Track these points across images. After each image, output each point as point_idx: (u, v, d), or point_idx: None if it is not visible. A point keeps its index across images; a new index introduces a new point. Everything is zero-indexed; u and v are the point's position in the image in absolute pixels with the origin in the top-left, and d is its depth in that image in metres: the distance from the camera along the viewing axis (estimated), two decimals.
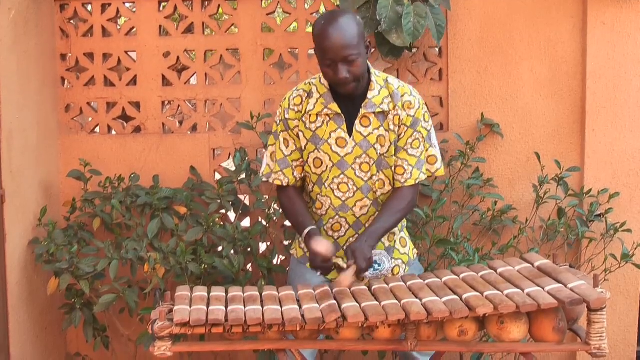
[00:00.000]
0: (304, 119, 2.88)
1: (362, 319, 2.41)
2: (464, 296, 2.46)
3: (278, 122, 2.95)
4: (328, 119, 2.85)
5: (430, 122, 2.95)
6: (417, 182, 2.92)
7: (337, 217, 2.92)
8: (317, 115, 2.86)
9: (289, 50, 3.95)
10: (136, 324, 3.73)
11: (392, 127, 2.85)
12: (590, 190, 3.79)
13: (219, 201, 3.72)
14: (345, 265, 2.68)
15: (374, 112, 2.83)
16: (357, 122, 2.84)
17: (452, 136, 3.84)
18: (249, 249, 3.67)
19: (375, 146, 2.85)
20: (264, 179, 3.03)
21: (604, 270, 3.76)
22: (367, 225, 2.90)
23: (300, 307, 2.49)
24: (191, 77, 4.02)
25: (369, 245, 2.73)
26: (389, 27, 3.52)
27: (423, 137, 2.91)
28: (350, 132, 2.85)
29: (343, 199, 2.89)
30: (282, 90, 3.90)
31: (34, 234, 3.62)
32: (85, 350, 3.94)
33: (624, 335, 3.92)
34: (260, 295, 2.61)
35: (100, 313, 3.63)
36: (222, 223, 3.76)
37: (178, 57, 3.96)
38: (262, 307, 2.48)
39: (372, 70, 2.88)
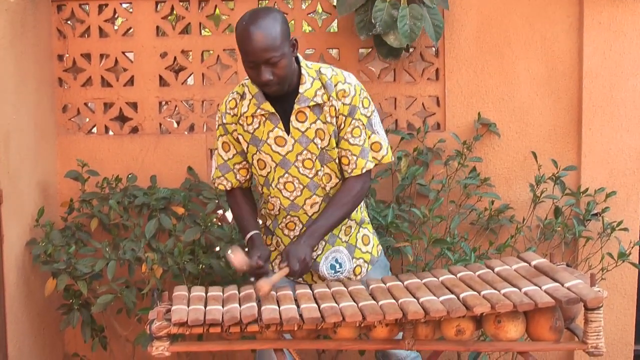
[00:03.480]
0: (240, 121, 2.82)
1: (359, 319, 2.41)
2: (461, 295, 2.46)
3: (217, 126, 2.90)
4: (264, 119, 2.78)
5: (372, 108, 2.84)
6: (364, 171, 2.82)
7: (289, 216, 2.87)
8: (252, 116, 2.79)
9: None
10: (134, 324, 3.73)
11: (329, 118, 2.76)
12: (587, 189, 3.79)
13: (217, 201, 3.73)
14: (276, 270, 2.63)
15: (308, 106, 2.74)
16: (292, 118, 2.76)
17: (449, 136, 3.84)
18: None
19: (315, 140, 2.77)
20: (213, 182, 2.99)
21: (601, 269, 3.76)
22: None
23: (298, 306, 2.49)
24: (188, 77, 4.02)
25: (309, 244, 2.68)
26: (384, 30, 3.53)
27: (363, 124, 2.80)
28: (287, 129, 2.78)
29: (291, 198, 2.84)
30: None
31: (31, 235, 3.62)
32: (83, 350, 3.94)
33: (621, 334, 3.93)
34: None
35: (98, 313, 3.63)
36: (219, 223, 3.76)
37: (175, 58, 3.96)
38: (260, 306, 2.48)
39: (303, 62, 2.78)
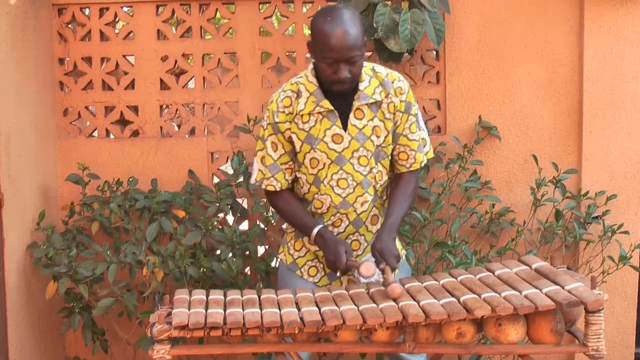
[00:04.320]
0: (295, 120, 2.82)
1: (360, 322, 2.41)
2: (462, 298, 2.46)
3: (265, 126, 2.89)
4: (321, 117, 2.79)
5: (417, 105, 2.93)
6: (422, 165, 2.91)
7: (338, 214, 2.87)
8: (310, 114, 2.80)
9: (287, 53, 3.96)
10: (135, 328, 3.73)
11: (387, 115, 2.82)
12: (587, 193, 3.79)
13: (217, 204, 3.73)
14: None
15: (366, 104, 2.79)
16: (351, 115, 2.79)
17: (449, 139, 3.84)
18: (247, 252, 3.67)
19: (372, 137, 2.81)
20: (257, 185, 2.98)
21: (601, 272, 3.76)
22: (366, 223, 2.88)
23: (299, 310, 2.49)
24: (189, 80, 4.03)
25: (393, 238, 2.73)
26: (386, 34, 3.54)
27: (417, 120, 2.89)
28: (344, 126, 2.81)
29: (343, 195, 2.84)
30: None
31: (32, 238, 3.63)
32: (84, 354, 3.94)
33: (622, 336, 3.93)
34: (259, 298, 2.62)
35: (99, 317, 3.63)
36: (220, 226, 3.77)
37: (176, 61, 3.97)
38: (261, 310, 2.49)
39: None
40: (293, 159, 2.90)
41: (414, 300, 2.51)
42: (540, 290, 2.45)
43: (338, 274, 2.76)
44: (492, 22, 3.85)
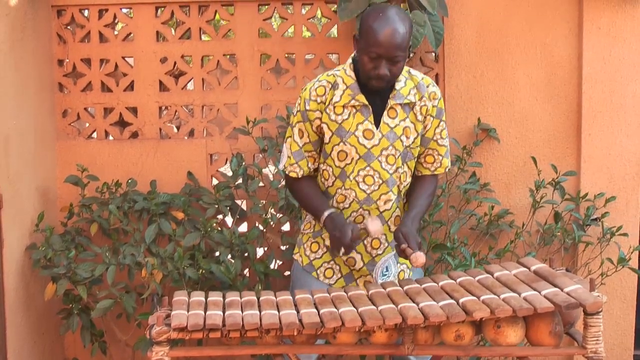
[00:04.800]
0: (327, 110, 2.83)
1: (359, 324, 2.41)
2: (461, 300, 2.46)
3: (295, 112, 2.91)
4: (355, 110, 2.81)
5: None
6: (446, 170, 3.00)
7: (360, 210, 2.88)
8: (344, 107, 2.82)
9: (286, 55, 3.96)
10: (134, 329, 3.73)
11: (419, 117, 2.86)
12: (586, 195, 3.80)
13: (216, 206, 3.73)
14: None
15: (400, 104, 2.83)
16: (385, 113, 2.82)
17: (448, 141, 3.84)
18: (246, 254, 3.67)
19: (402, 137, 2.84)
20: (286, 171, 2.96)
21: (600, 274, 3.76)
22: (389, 223, 2.90)
23: (297, 311, 2.50)
24: (188, 82, 4.03)
25: (415, 228, 2.76)
26: None
27: (445, 127, 2.95)
28: (377, 123, 2.83)
29: (368, 191, 2.85)
30: (279, 95, 3.92)
31: (31, 240, 3.63)
32: (82, 355, 3.94)
33: (621, 339, 3.93)
34: (258, 300, 2.62)
35: (98, 318, 3.63)
36: (219, 228, 3.76)
37: (175, 63, 3.97)
38: (260, 312, 2.49)
39: None
40: (317, 149, 2.92)
41: (413, 302, 2.51)
42: (539, 293, 2.45)
43: (342, 254, 2.76)
44: (490, 25, 3.86)
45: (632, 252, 3.75)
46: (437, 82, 3.94)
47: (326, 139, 2.86)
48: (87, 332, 3.65)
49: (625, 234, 3.76)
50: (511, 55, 3.86)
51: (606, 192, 3.82)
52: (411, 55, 2.77)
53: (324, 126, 2.85)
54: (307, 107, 2.85)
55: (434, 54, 3.94)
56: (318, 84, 2.86)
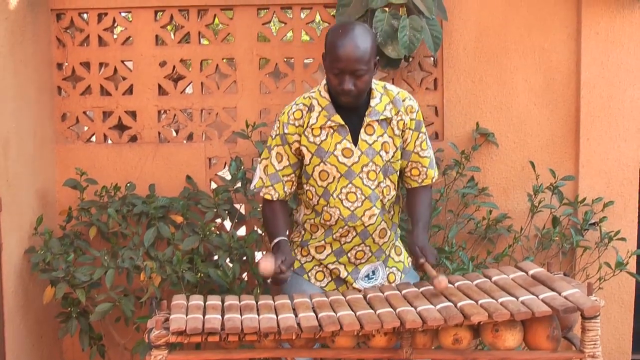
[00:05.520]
0: (306, 133, 2.87)
1: (357, 327, 2.41)
2: (459, 304, 2.46)
3: (274, 136, 2.94)
4: (332, 130, 2.85)
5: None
6: (434, 180, 3.00)
7: (346, 226, 2.91)
8: (321, 128, 2.86)
9: (285, 59, 3.97)
10: (132, 333, 3.73)
11: (396, 132, 2.88)
12: (584, 199, 3.80)
13: (215, 210, 3.73)
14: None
15: (377, 120, 2.85)
16: (362, 130, 2.85)
17: (447, 145, 3.85)
18: (244, 258, 3.67)
19: (381, 153, 2.86)
20: (256, 191, 3.04)
21: (598, 278, 3.77)
22: (373, 235, 2.92)
23: (296, 315, 2.50)
24: (187, 86, 4.03)
25: (427, 239, 2.81)
26: (384, 40, 3.54)
27: (426, 138, 2.96)
28: (355, 141, 2.86)
29: (352, 208, 2.88)
30: (278, 99, 3.92)
31: (30, 243, 3.63)
32: (81, 359, 3.94)
33: (618, 343, 3.93)
34: (256, 303, 2.62)
35: (96, 322, 3.63)
36: (218, 232, 3.77)
37: (174, 67, 3.97)
38: (258, 315, 2.49)
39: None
40: (296, 172, 2.95)
41: (411, 306, 2.51)
42: (537, 297, 2.46)
43: (269, 281, 2.80)
44: (489, 29, 3.87)
45: (629, 257, 3.76)
46: (435, 86, 3.95)
47: (306, 161, 2.90)
48: (85, 336, 3.65)
49: (623, 239, 3.77)
50: (510, 60, 3.87)
51: (604, 196, 3.83)
52: (375, 71, 2.79)
53: (303, 148, 2.89)
54: (286, 131, 2.90)
55: (432, 59, 3.94)
56: (295, 108, 2.91)
